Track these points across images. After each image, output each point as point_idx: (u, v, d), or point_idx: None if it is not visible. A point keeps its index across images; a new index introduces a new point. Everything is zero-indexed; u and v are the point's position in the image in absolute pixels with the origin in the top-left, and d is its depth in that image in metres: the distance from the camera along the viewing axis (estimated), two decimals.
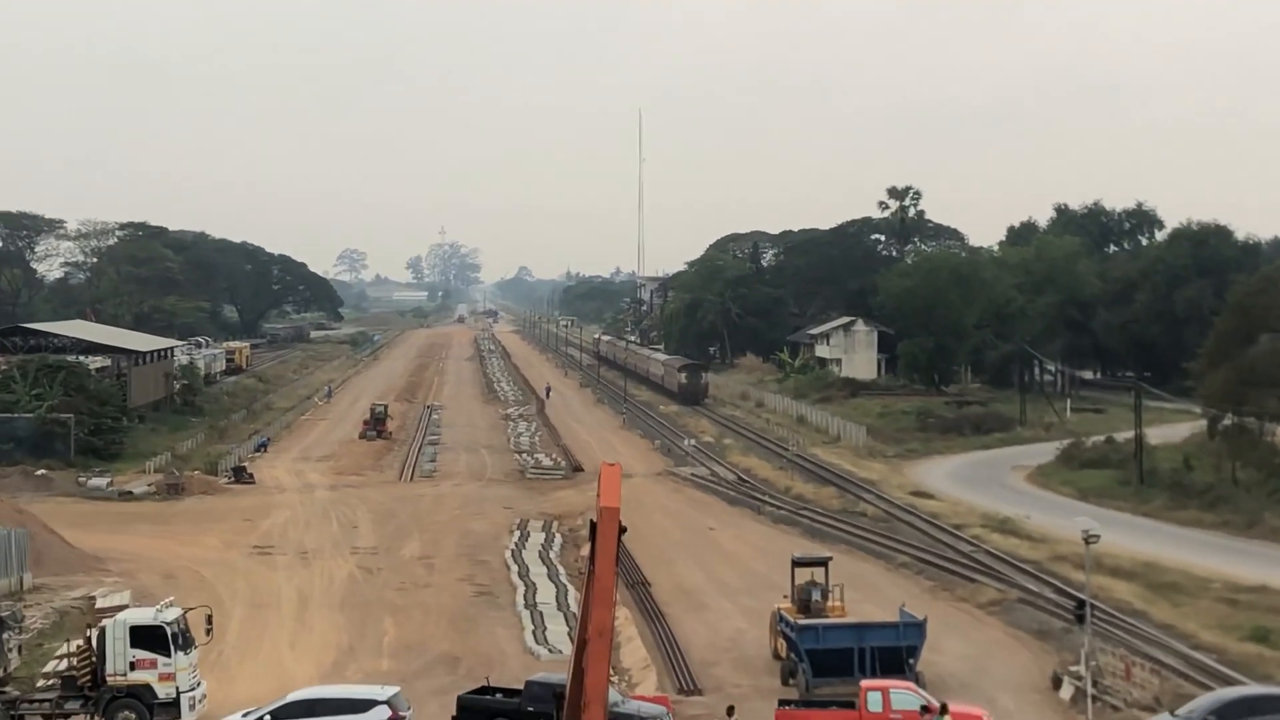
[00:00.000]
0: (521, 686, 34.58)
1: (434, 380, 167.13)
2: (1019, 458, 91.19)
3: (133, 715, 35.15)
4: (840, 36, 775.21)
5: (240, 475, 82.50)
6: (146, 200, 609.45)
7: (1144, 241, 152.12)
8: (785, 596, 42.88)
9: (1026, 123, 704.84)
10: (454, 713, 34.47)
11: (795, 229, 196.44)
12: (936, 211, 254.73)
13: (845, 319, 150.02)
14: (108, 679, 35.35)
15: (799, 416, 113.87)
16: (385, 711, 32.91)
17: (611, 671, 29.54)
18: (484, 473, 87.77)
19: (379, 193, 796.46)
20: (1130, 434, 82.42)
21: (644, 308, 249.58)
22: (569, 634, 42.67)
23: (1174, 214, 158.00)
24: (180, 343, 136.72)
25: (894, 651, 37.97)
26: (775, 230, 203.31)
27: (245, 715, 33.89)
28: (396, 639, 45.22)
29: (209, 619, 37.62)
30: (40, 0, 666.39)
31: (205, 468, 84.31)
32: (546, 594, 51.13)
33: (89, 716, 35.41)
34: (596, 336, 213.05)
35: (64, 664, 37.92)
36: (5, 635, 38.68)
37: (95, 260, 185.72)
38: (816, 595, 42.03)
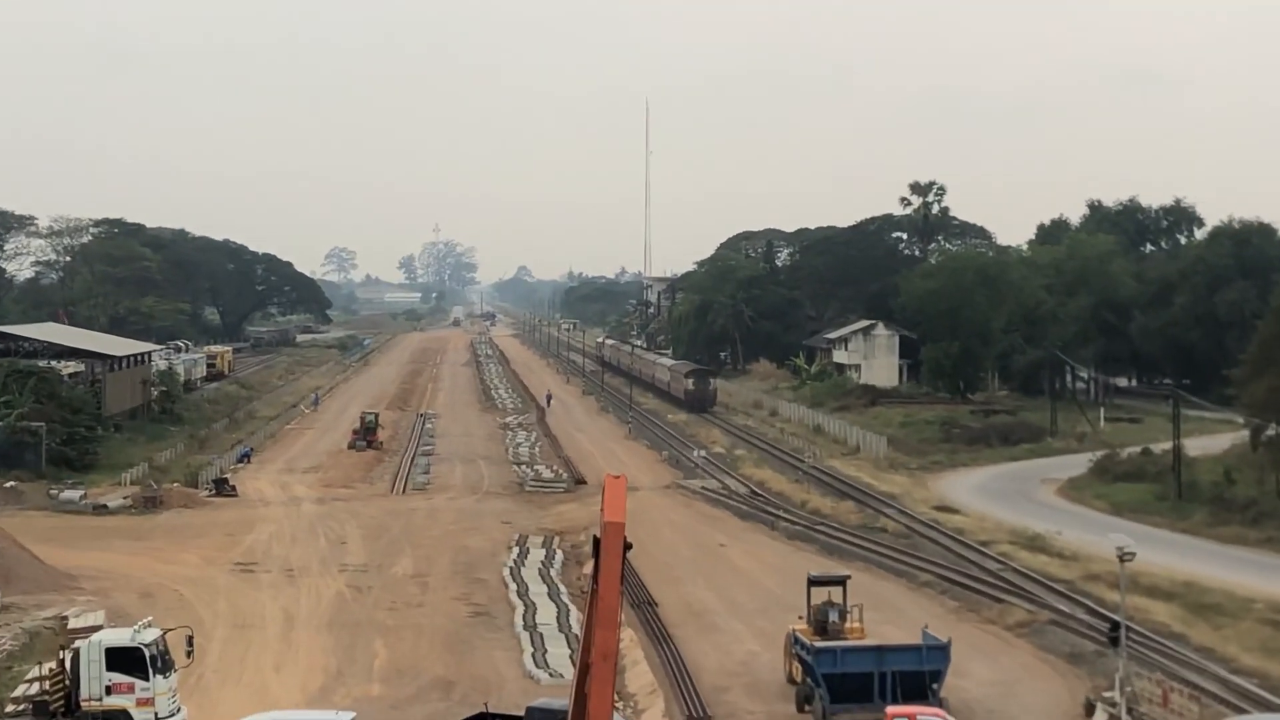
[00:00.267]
0: (521, 713, 34.54)
1: (428, 387, 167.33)
2: (1049, 470, 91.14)
3: None
4: (861, 21, 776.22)
5: (222, 488, 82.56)
6: (123, 195, 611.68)
7: (1183, 240, 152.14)
8: (801, 617, 42.83)
9: (1057, 114, 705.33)
10: None
11: (812, 226, 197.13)
12: (962, 208, 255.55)
13: (865, 322, 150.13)
14: (82, 704, 35.28)
15: (816, 426, 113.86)
16: None
17: (616, 697, 29.58)
18: (481, 485, 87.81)
19: (370, 188, 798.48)
20: (1168, 445, 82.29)
21: (651, 310, 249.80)
22: (571, 657, 42.65)
23: (1214, 211, 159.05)
24: (158, 347, 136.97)
25: (916, 676, 37.91)
26: (790, 228, 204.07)
27: None
28: (388, 662, 45.23)
29: (190, 640, 37.62)
30: None
31: (185, 480, 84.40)
32: (547, 614, 51.13)
33: None
34: (599, 340, 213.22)
35: (35, 688, 37.87)
36: None
37: (68, 259, 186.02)
38: (834, 616, 41.99)
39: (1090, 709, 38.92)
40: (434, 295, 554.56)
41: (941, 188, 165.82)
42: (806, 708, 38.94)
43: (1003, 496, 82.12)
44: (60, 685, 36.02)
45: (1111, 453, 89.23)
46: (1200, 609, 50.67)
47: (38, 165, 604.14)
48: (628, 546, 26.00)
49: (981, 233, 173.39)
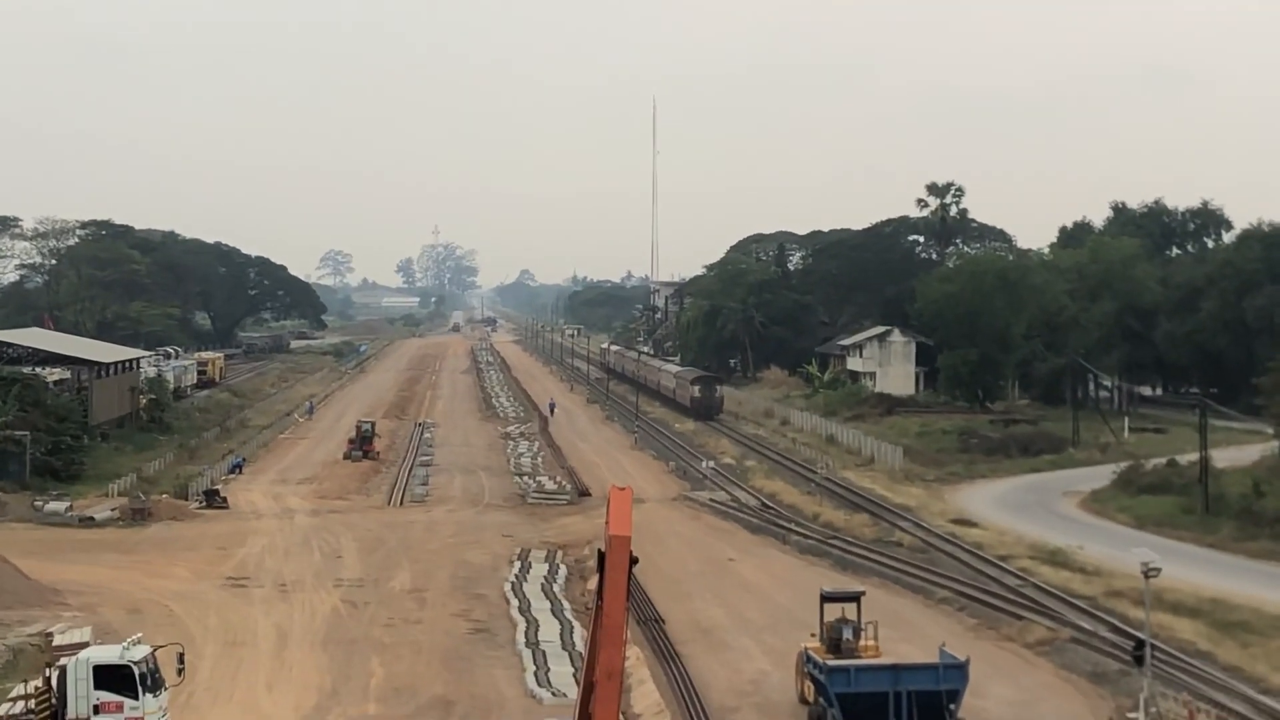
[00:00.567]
0: None
1: (426, 395, 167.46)
2: (1071, 482, 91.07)
3: None
4: (875, 13, 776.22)
5: (213, 499, 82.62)
6: (110, 196, 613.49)
7: (1210, 244, 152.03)
8: (813, 635, 42.85)
9: (1080, 113, 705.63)
10: None
11: (825, 229, 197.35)
12: (981, 210, 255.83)
13: (880, 328, 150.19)
14: None
15: (829, 436, 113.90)
16: None
17: (621, 718, 29.58)
18: (481, 497, 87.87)
19: (367, 189, 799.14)
20: (1194, 456, 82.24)
21: (658, 316, 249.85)
22: (575, 676, 42.68)
23: (1243, 213, 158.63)
24: (147, 353, 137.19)
25: (933, 696, 37.88)
26: (803, 230, 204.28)
27: None
28: (384, 680, 45.25)
29: (180, 657, 37.63)
30: None
31: (174, 491, 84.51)
32: (550, 631, 51.14)
33: None
34: (604, 347, 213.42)
35: (19, 706, 37.91)
36: None
37: (54, 262, 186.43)
38: (848, 633, 42.00)
39: None
40: (433, 300, 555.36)
41: (960, 189, 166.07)
42: None
43: (1023, 509, 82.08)
44: (46, 704, 36.04)
45: (1136, 464, 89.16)
46: (1227, 626, 50.60)
47: (21, 164, 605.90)
48: (634, 561, 26.10)
49: (1001, 235, 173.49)
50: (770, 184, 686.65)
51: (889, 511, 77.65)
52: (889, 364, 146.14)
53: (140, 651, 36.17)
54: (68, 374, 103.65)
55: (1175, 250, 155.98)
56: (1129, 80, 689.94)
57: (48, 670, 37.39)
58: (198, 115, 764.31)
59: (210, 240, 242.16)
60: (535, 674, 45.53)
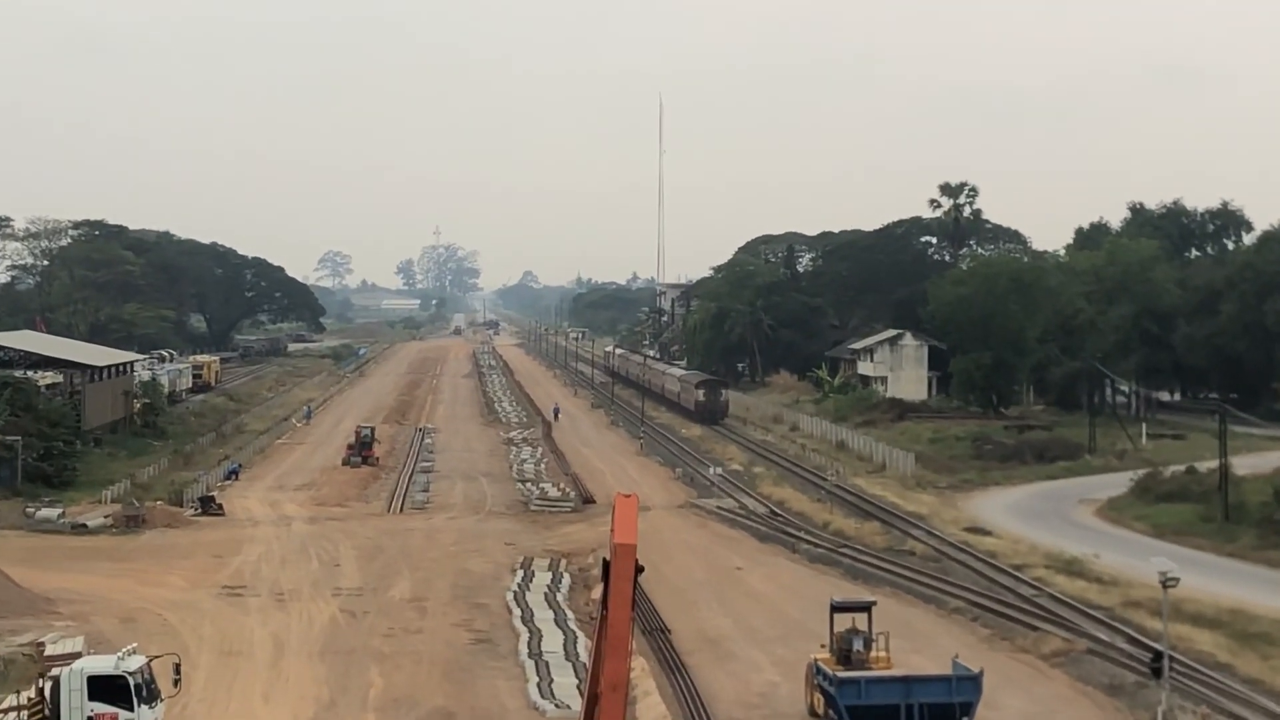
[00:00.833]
0: None
1: (427, 400, 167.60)
2: (1088, 489, 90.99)
3: None
4: (886, 10, 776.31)
5: (208, 506, 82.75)
6: (103, 195, 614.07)
7: (1230, 245, 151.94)
8: (823, 646, 42.83)
9: (1097, 112, 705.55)
10: None
11: (835, 229, 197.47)
12: (995, 211, 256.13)
13: (891, 332, 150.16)
14: None
15: (839, 442, 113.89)
16: None
17: None
18: (483, 504, 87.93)
19: (366, 188, 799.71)
20: (1214, 463, 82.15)
21: (664, 318, 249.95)
22: (578, 687, 42.69)
23: (1264, 214, 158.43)
24: (141, 356, 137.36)
25: (946, 709, 37.91)
26: (812, 230, 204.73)
27: None
28: (383, 692, 45.27)
29: (177, 668, 37.61)
30: None
31: (169, 498, 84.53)
32: (553, 642, 51.15)
33: None
34: (608, 350, 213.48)
35: (11, 718, 37.97)
36: None
37: (46, 263, 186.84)
38: (858, 644, 41.97)
39: None
40: (434, 302, 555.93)
41: (974, 189, 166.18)
42: None
43: (1038, 517, 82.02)
44: (39, 715, 36.06)
45: (1153, 471, 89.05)
46: (1248, 638, 50.54)
47: (12, 162, 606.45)
48: (639, 570, 26.13)
49: (1016, 237, 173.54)
50: (779, 181, 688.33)
51: (900, 519, 77.63)
52: (900, 368, 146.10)
53: (135, 662, 36.14)
54: (60, 378, 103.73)
55: (1194, 252, 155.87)
56: (1146, 77, 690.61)
57: (40, 681, 37.38)
58: (193, 113, 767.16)
59: (206, 241, 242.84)
60: (538, 685, 45.51)
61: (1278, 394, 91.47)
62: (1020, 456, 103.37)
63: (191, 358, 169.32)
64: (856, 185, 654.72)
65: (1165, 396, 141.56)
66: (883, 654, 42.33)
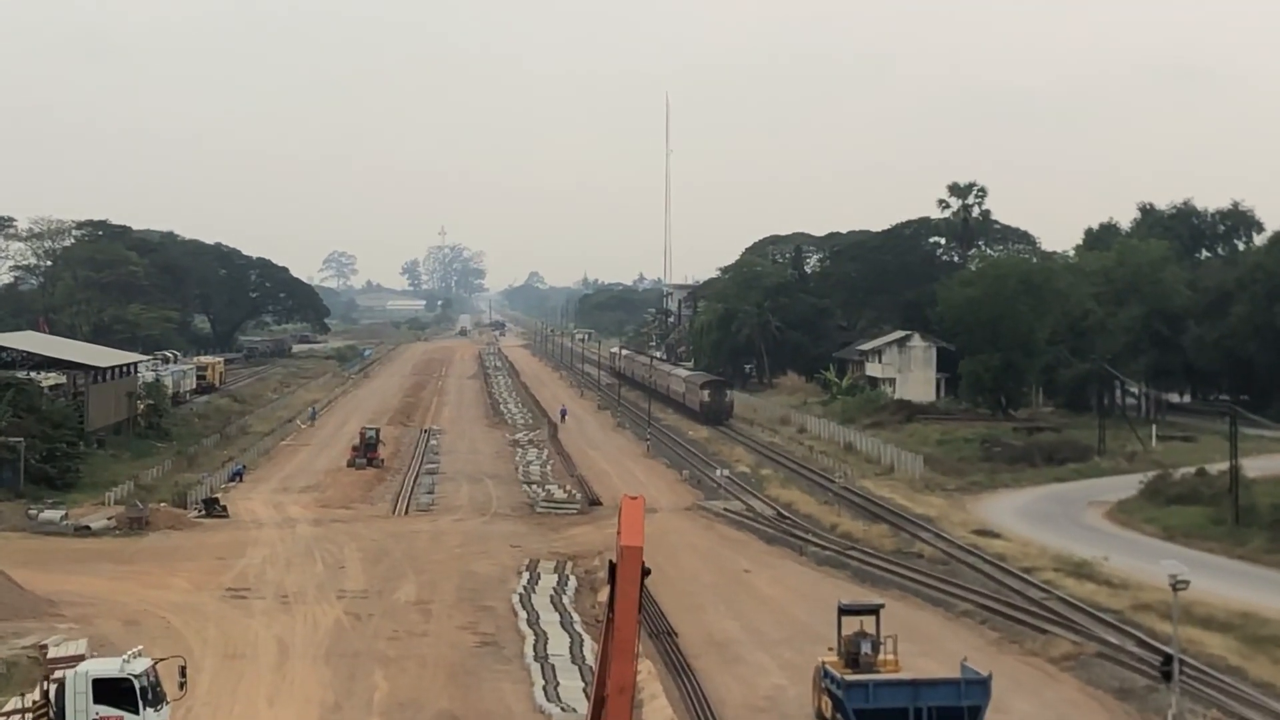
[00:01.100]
0: None
1: (432, 401, 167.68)
2: (1097, 492, 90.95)
3: None
4: (894, 10, 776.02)
5: (212, 508, 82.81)
6: (107, 195, 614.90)
7: (1241, 246, 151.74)
8: (830, 649, 42.83)
9: (1107, 112, 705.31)
10: None
11: (843, 230, 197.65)
12: (1004, 211, 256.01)
13: (899, 333, 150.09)
14: None
15: (847, 444, 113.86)
16: None
17: None
18: (488, 506, 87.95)
19: (371, 188, 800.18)
20: (1224, 465, 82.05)
21: (671, 319, 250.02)
22: (585, 690, 42.74)
23: (1275, 215, 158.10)
24: (145, 357, 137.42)
25: (954, 712, 37.90)
26: (820, 230, 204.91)
27: None
28: (389, 695, 45.30)
29: (183, 670, 37.63)
30: None
31: (172, 499, 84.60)
32: (559, 645, 51.20)
33: None
34: (614, 351, 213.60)
35: None
36: None
37: (49, 263, 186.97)
38: (866, 648, 41.98)
39: None
40: (439, 303, 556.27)
41: (982, 189, 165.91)
42: None
43: (1047, 520, 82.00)
44: (44, 718, 36.13)
45: (1164, 473, 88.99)
46: (1259, 641, 50.50)
47: (15, 162, 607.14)
48: (646, 572, 26.17)
49: (1025, 238, 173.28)
50: (786, 182, 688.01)
51: (909, 522, 77.63)
52: (909, 370, 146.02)
53: (141, 664, 36.15)
54: (63, 379, 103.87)
55: (1205, 253, 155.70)
56: (1155, 77, 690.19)
57: (45, 683, 37.41)
58: (198, 112, 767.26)
59: (210, 241, 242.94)
60: (544, 688, 45.55)
61: None
62: (1029, 458, 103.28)
63: (195, 359, 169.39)
64: (865, 186, 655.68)
65: (1175, 398, 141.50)
66: (891, 657, 42.34)
